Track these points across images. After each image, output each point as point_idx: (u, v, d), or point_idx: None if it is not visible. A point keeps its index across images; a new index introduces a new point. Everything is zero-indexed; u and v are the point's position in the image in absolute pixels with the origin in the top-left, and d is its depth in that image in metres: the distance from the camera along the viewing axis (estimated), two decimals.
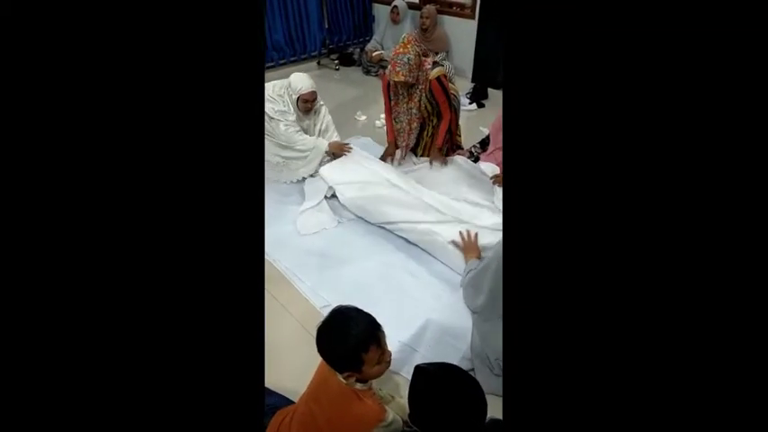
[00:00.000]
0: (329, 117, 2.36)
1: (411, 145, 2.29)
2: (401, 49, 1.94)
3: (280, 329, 1.53)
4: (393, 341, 1.42)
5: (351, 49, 4.10)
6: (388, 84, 2.13)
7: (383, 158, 2.32)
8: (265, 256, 1.84)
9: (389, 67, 2.02)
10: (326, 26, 3.97)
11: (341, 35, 4.09)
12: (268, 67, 3.57)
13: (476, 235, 1.68)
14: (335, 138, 2.33)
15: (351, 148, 2.23)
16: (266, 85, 2.15)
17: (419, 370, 0.87)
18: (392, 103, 2.20)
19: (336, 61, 3.98)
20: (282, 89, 2.14)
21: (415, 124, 2.19)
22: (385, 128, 2.79)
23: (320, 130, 2.32)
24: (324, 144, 2.22)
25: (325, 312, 1.55)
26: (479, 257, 1.59)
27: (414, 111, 2.14)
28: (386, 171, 2.08)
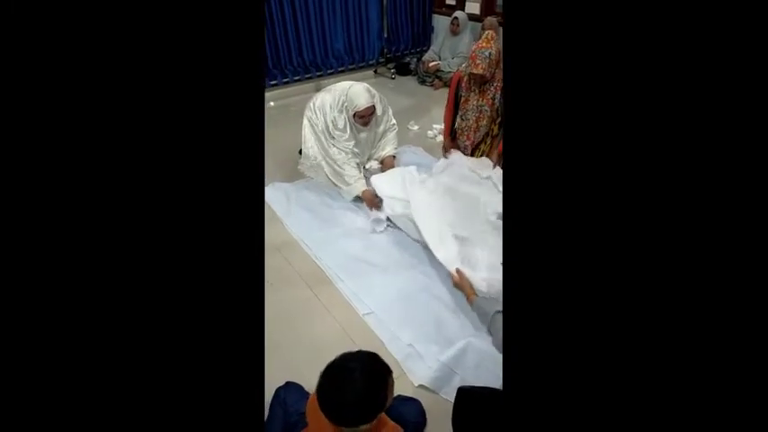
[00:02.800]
0: (392, 134, 2.35)
1: (476, 142, 2.27)
2: (484, 44, 1.99)
3: (321, 331, 1.57)
4: (432, 360, 1.41)
5: (407, 59, 4.14)
6: (459, 81, 2.18)
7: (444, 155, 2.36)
8: (310, 255, 1.89)
9: (468, 61, 2.06)
10: (386, 36, 4.04)
11: (399, 45, 4.14)
12: (326, 74, 3.68)
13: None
14: (391, 152, 2.34)
15: (380, 204, 2.11)
16: (326, 94, 2.20)
17: (464, 392, 0.84)
18: (462, 99, 2.20)
19: (393, 70, 4.03)
20: (341, 103, 2.14)
21: (484, 122, 2.18)
22: (437, 138, 2.76)
23: (375, 144, 2.33)
24: (358, 190, 2.17)
25: (368, 321, 1.60)
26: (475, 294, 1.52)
27: (485, 108, 2.14)
28: (426, 196, 2.00)
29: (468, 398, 0.83)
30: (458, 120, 2.26)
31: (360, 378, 0.82)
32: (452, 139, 2.35)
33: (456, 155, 2.24)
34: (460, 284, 1.55)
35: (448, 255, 1.65)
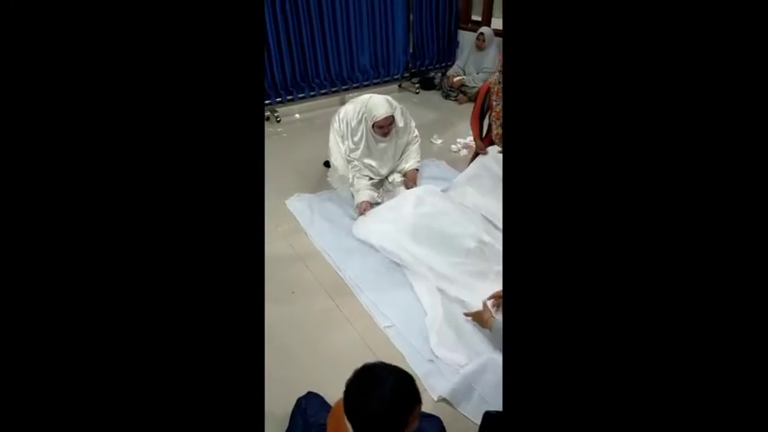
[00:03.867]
0: (415, 147, 2.36)
1: None
2: None
3: (342, 342, 1.57)
4: (452, 373, 1.40)
5: (432, 74, 4.18)
6: (487, 90, 2.24)
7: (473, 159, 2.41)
8: (332, 266, 1.91)
9: (500, 74, 2.10)
10: (411, 51, 4.09)
11: (424, 59, 4.19)
12: (352, 88, 3.75)
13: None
14: (414, 165, 2.34)
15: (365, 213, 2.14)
16: (350, 105, 2.25)
17: (490, 417, 0.83)
18: (495, 105, 2.24)
19: (417, 84, 4.07)
20: (361, 113, 2.18)
21: None
22: (460, 152, 2.76)
23: (398, 157, 2.34)
24: (357, 200, 2.19)
25: (389, 333, 1.60)
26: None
27: None
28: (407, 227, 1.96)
29: (495, 425, 0.81)
30: (494, 129, 2.30)
31: (389, 390, 0.81)
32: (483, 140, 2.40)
33: (494, 149, 2.29)
34: (473, 315, 1.54)
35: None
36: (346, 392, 0.83)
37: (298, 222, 2.22)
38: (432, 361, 1.45)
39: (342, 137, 2.25)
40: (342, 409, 0.83)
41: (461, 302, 1.65)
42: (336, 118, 2.27)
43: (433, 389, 1.38)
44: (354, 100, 2.26)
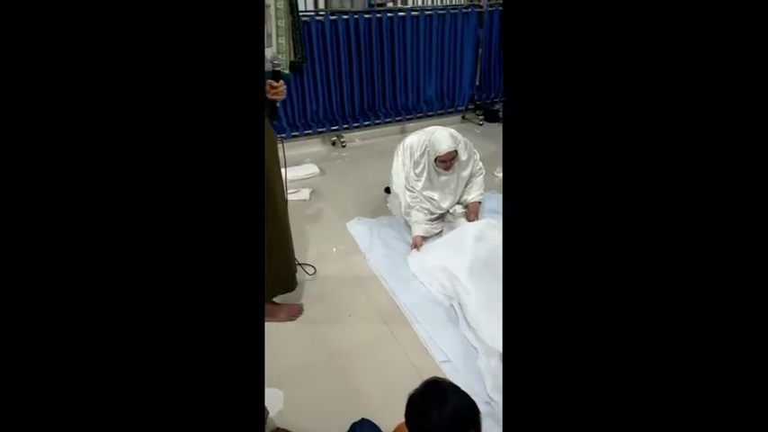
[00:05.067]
0: (478, 179, 2.34)
1: None
2: None
3: (396, 372, 1.55)
4: None
5: (497, 107, 4.17)
6: None
7: None
8: (389, 292, 1.91)
9: None
10: (477, 84, 4.13)
11: (489, 93, 4.20)
12: (415, 118, 3.83)
13: None
14: (476, 198, 2.32)
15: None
16: (415, 136, 2.28)
17: None
18: None
19: (481, 116, 4.08)
20: (424, 146, 2.20)
21: None
22: None
23: (461, 188, 2.33)
24: (413, 233, 2.21)
25: (445, 369, 1.56)
26: None
27: None
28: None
29: None
30: None
31: (450, 410, 0.82)
32: None
33: None
34: None
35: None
36: (409, 402, 0.86)
37: (357, 245, 2.26)
38: (488, 403, 1.39)
39: (405, 167, 2.28)
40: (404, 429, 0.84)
41: None
42: (401, 147, 2.31)
43: None
44: (419, 132, 2.30)
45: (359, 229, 2.38)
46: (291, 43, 2.96)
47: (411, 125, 3.73)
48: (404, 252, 2.17)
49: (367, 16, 3.28)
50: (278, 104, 1.58)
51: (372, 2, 3.90)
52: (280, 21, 2.82)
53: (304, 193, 2.76)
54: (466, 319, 1.70)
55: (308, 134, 3.40)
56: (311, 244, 2.27)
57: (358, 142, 3.70)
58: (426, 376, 1.52)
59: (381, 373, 1.54)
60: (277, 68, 1.53)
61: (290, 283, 1.74)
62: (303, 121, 3.41)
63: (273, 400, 1.39)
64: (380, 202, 2.63)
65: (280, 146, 1.58)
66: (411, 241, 2.21)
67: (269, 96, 1.50)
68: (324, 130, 3.44)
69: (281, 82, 1.50)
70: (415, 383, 1.49)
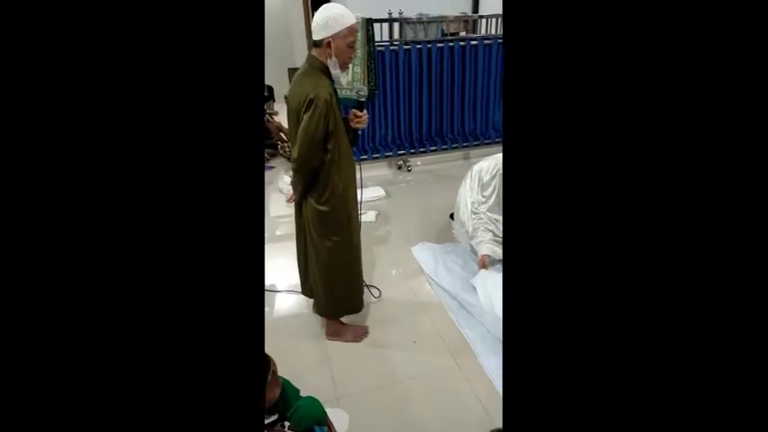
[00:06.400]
0: None
1: None
2: None
3: (461, 406, 1.51)
4: None
5: None
6: None
7: None
8: (454, 321, 1.88)
9: None
10: None
11: None
12: (482, 144, 3.80)
13: None
14: None
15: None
16: (484, 162, 2.27)
17: None
18: None
19: None
20: (496, 169, 2.20)
21: None
22: None
23: None
24: (479, 253, 2.18)
25: None
26: None
27: None
28: None
29: None
30: None
31: None
32: None
33: None
34: None
35: None
36: None
37: (421, 270, 2.26)
38: None
39: (472, 192, 2.28)
40: None
41: None
42: (469, 174, 2.32)
43: None
44: (489, 158, 2.30)
45: (423, 254, 2.38)
46: (366, 71, 3.10)
47: (475, 151, 3.72)
48: (469, 281, 2.13)
49: (440, 45, 3.35)
50: (359, 132, 1.65)
51: (445, 31, 3.98)
52: (357, 50, 2.97)
53: (370, 216, 2.83)
54: None
55: (376, 158, 3.50)
56: (377, 266, 2.31)
57: (423, 167, 3.74)
58: (491, 409, 1.47)
59: (444, 403, 1.51)
60: (362, 99, 1.61)
61: (358, 304, 1.77)
62: (371, 145, 3.51)
63: (339, 420, 1.41)
64: (444, 227, 2.62)
65: (357, 167, 1.65)
66: (476, 268, 2.18)
67: (352, 124, 1.58)
68: (391, 154, 3.52)
69: (365, 111, 1.58)
70: (478, 415, 1.45)
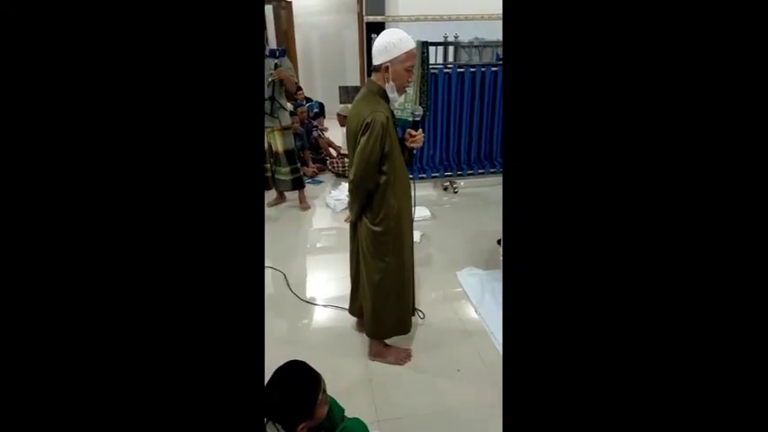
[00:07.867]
0: None
1: None
2: None
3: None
4: None
5: None
6: None
7: None
8: (500, 352, 1.80)
9: None
10: None
11: None
12: None
13: None
14: None
15: None
16: None
17: None
18: None
19: None
20: None
21: None
22: None
23: None
24: None
25: None
26: None
27: None
28: None
29: None
30: None
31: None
32: None
33: None
34: None
35: None
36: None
37: (467, 295, 2.20)
38: None
39: None
40: None
41: None
42: None
43: None
44: None
45: (470, 279, 2.32)
46: (418, 93, 3.13)
47: None
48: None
49: (494, 69, 3.34)
50: (414, 151, 1.65)
51: (500, 55, 3.97)
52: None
53: (416, 236, 2.80)
54: None
55: (422, 177, 3.49)
56: (421, 288, 2.27)
57: (469, 189, 3.69)
58: None
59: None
60: (417, 119, 1.62)
61: (405, 326, 1.74)
62: (419, 165, 3.52)
63: None
64: (492, 253, 2.55)
65: (411, 184, 1.64)
66: None
67: (408, 144, 1.59)
68: (437, 175, 3.50)
69: (420, 131, 1.58)
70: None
